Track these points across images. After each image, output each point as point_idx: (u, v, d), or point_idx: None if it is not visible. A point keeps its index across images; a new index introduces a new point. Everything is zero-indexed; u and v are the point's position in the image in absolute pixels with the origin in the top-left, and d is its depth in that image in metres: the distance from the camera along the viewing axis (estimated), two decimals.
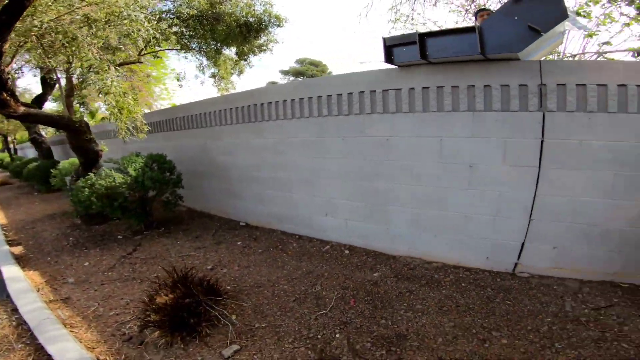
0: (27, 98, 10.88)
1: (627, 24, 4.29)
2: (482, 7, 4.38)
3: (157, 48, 5.37)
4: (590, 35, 4.54)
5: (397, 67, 3.06)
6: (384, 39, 2.94)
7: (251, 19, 4.99)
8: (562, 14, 2.31)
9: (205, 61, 6.17)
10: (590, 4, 4.51)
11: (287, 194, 4.11)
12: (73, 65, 3.55)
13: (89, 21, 3.22)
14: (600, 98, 2.40)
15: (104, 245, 4.30)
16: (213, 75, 6.39)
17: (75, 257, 4.00)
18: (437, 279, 2.85)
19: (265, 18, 5.05)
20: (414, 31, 2.78)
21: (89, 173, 4.46)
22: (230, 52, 6.07)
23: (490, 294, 2.56)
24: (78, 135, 4.50)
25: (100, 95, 3.50)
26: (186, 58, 5.34)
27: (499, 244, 2.85)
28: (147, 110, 7.40)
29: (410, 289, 2.72)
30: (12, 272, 3.54)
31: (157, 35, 3.75)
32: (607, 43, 4.52)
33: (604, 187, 2.45)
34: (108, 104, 3.33)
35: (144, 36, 3.53)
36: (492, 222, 2.85)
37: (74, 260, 3.88)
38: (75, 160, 6.05)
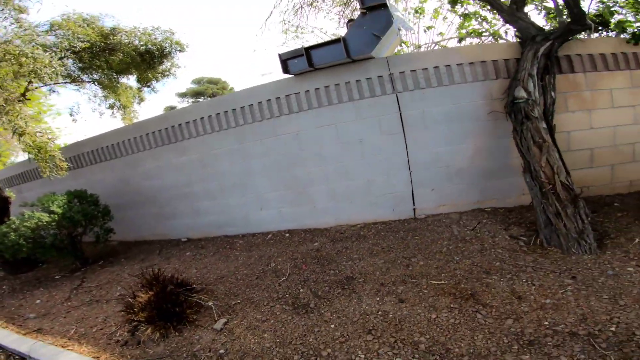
0: None
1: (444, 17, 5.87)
2: (351, 18, 5.46)
3: (47, 83, 5.29)
4: (428, 28, 6.04)
5: (293, 75, 3.89)
6: (280, 55, 3.74)
7: (152, 47, 5.29)
8: (388, 23, 3.41)
9: (100, 92, 6.19)
10: (423, 4, 5.98)
11: (221, 201, 4.66)
12: None
13: None
14: (425, 78, 3.56)
15: (46, 285, 4.31)
16: (111, 106, 6.42)
17: (20, 299, 4.00)
18: (363, 235, 3.78)
19: (167, 45, 5.41)
20: (300, 46, 3.62)
21: (4, 220, 4.37)
22: (128, 80, 6.20)
23: (402, 235, 3.56)
24: None
25: (13, 137, 3.59)
26: (78, 91, 5.28)
27: (397, 196, 3.90)
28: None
29: (345, 246, 3.59)
30: None
31: (59, 71, 3.89)
32: (441, 34, 6.10)
33: (444, 139, 3.65)
34: (25, 145, 3.48)
35: (48, 72, 3.70)
36: (387, 181, 3.89)
37: (21, 302, 3.91)
38: None
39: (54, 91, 6.09)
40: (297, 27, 6.35)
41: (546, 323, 1.97)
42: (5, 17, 4.10)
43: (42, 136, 3.46)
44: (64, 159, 4.08)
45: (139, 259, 4.66)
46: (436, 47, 6.37)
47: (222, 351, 2.38)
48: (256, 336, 2.46)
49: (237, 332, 2.56)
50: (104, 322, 3.09)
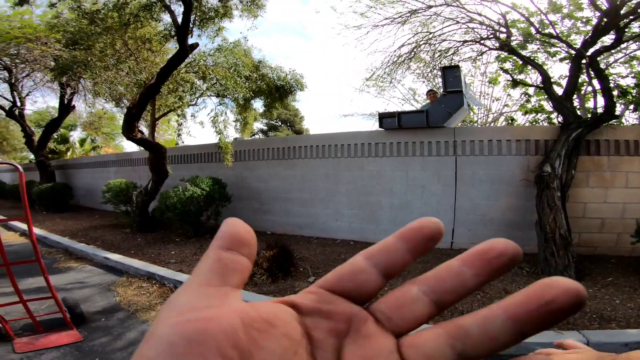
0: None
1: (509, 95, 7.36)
2: (431, 89, 7.16)
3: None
4: (497, 100, 7.60)
5: (383, 129, 5.57)
6: (379, 113, 5.53)
7: (284, 83, 7.40)
8: (460, 104, 4.98)
9: (234, 108, 8.28)
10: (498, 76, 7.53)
11: (308, 209, 6.33)
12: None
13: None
14: (478, 147, 5.02)
15: (172, 243, 6.13)
16: (236, 120, 8.57)
17: (157, 250, 5.79)
18: None
19: (294, 83, 7.50)
20: (394, 110, 5.37)
21: (159, 188, 6.39)
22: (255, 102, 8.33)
23: (439, 257, 4.87)
24: (159, 158, 6.45)
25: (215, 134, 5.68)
26: (219, 104, 7.28)
27: None
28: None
29: None
30: (118, 258, 5.29)
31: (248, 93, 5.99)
32: (507, 105, 7.61)
33: (484, 194, 5.00)
34: (219, 141, 5.46)
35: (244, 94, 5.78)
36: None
37: (159, 252, 5.65)
38: (121, 180, 7.77)
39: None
40: (390, 81, 8.18)
41: None
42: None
43: (226, 137, 5.49)
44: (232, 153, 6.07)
45: None
46: (502, 117, 7.84)
47: None
48: None
49: None
50: None
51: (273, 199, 6.75)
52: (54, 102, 16.86)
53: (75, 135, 22.32)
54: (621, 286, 3.74)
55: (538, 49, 5.84)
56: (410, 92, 10.78)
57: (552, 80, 5.31)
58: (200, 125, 7.44)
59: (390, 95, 12.44)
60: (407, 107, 10.32)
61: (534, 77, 6.68)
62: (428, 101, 5.82)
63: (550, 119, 6.11)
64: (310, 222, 6.34)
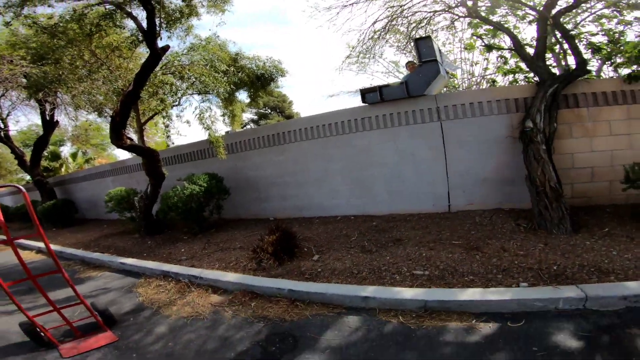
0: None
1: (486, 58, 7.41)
2: (410, 60, 7.17)
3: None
4: (475, 64, 7.64)
5: (367, 104, 5.66)
6: (361, 90, 5.60)
7: (264, 72, 7.43)
8: (436, 72, 5.06)
9: (219, 103, 8.31)
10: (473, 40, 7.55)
11: (304, 190, 6.50)
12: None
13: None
14: (461, 110, 5.13)
15: (181, 242, 6.31)
16: (223, 114, 8.62)
17: (168, 250, 5.96)
18: (409, 219, 5.34)
19: (274, 71, 7.53)
20: (375, 85, 5.46)
21: (158, 191, 6.55)
22: (239, 95, 8.37)
23: (437, 220, 5.06)
24: (153, 162, 6.55)
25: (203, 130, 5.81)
26: (203, 101, 7.33)
27: (437, 195, 5.44)
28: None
29: (396, 225, 5.16)
30: (133, 262, 5.50)
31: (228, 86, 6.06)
32: (487, 69, 7.65)
33: (474, 155, 5.15)
34: (210, 136, 5.58)
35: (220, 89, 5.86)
36: (430, 184, 5.46)
37: (170, 251, 5.82)
38: (121, 188, 7.89)
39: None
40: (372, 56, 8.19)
41: (516, 262, 3.45)
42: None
43: (215, 132, 5.62)
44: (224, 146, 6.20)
45: (242, 228, 6.58)
46: (484, 80, 7.92)
47: (319, 270, 4.07)
48: (339, 262, 4.15)
49: (327, 261, 4.28)
50: (236, 260, 4.83)
51: (269, 186, 6.91)
52: (37, 119, 16.72)
53: (66, 150, 22.19)
54: (618, 236, 3.73)
55: (507, 12, 5.88)
56: (393, 65, 10.79)
57: (525, 42, 5.46)
58: (187, 124, 7.50)
59: (373, 70, 12.41)
60: (391, 80, 10.34)
61: (508, 40, 6.72)
62: (408, 72, 5.89)
63: (528, 78, 6.21)
64: (308, 203, 6.53)
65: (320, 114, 6.19)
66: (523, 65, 5.96)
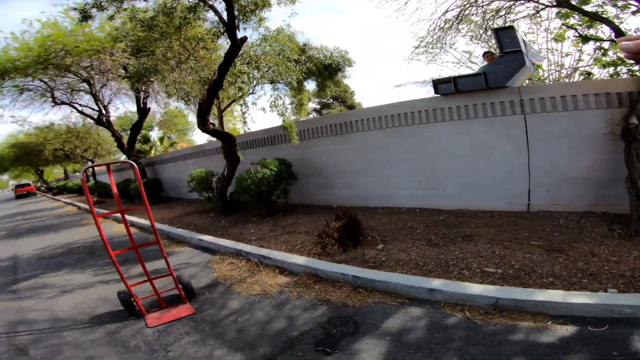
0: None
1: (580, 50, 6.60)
2: (488, 50, 6.68)
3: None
4: (566, 55, 6.85)
5: (439, 95, 5.43)
6: (433, 80, 5.37)
7: (331, 62, 7.53)
8: (521, 64, 4.64)
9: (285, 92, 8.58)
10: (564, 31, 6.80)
11: (369, 180, 6.48)
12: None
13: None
14: (550, 103, 4.66)
15: (250, 223, 6.71)
16: (291, 103, 8.89)
17: (239, 230, 6.40)
18: (479, 216, 5.05)
19: (341, 61, 7.60)
20: (449, 76, 5.18)
21: (233, 173, 7.03)
22: (307, 84, 8.58)
23: (514, 220, 4.67)
24: (230, 146, 7.03)
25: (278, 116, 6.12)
26: (273, 90, 7.61)
27: (514, 193, 5.05)
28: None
29: (465, 220, 4.91)
30: (210, 239, 6.00)
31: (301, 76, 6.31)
32: (580, 60, 6.83)
33: (563, 152, 4.67)
34: (284, 122, 5.85)
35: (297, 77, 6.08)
36: (507, 180, 5.09)
37: (241, 231, 6.24)
38: (201, 170, 8.57)
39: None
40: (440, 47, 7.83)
41: (605, 268, 3.11)
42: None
43: (289, 117, 5.91)
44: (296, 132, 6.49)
45: (307, 214, 6.78)
46: (576, 72, 7.10)
47: (383, 259, 4.06)
48: (404, 253, 4.10)
49: (391, 251, 4.24)
50: (302, 244, 4.99)
51: (334, 174, 7.01)
52: (132, 107, 18.81)
53: (154, 135, 24.66)
54: None
55: (604, 2, 5.19)
56: (465, 55, 10.18)
57: (627, 33, 4.78)
58: (262, 111, 7.81)
59: (442, 60, 11.82)
60: (463, 71, 9.77)
61: (607, 30, 5.91)
62: (486, 63, 5.52)
63: (632, 72, 5.43)
64: (372, 193, 6.50)
65: (388, 104, 6.08)
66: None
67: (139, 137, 17.83)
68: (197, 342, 2.94)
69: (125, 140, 14.24)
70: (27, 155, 23.45)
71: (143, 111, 13.28)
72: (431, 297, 3.15)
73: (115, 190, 3.72)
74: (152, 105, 14.02)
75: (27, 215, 16.18)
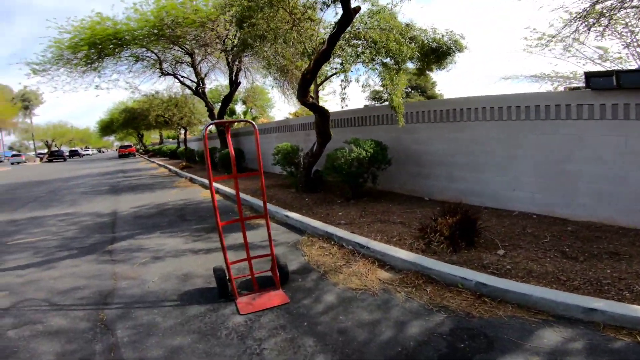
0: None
1: None
2: None
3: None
4: None
5: (589, 89, 4.36)
6: (586, 72, 4.39)
7: (439, 45, 6.69)
8: None
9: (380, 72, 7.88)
10: None
11: (477, 175, 5.63)
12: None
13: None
14: None
15: (335, 205, 6.26)
16: (384, 85, 8.19)
17: (325, 210, 5.98)
18: (621, 233, 4.02)
19: (451, 45, 6.70)
20: (611, 69, 4.14)
21: (322, 150, 6.64)
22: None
23: None
24: (325, 122, 6.65)
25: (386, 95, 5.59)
26: (367, 70, 6.98)
27: None
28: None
29: (602, 236, 3.95)
30: (297, 217, 5.68)
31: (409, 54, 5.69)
32: None
33: None
34: (392, 102, 5.40)
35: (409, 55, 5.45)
36: None
37: (327, 212, 5.79)
38: (287, 144, 8.33)
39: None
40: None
41: None
42: None
43: (398, 98, 5.33)
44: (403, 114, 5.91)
45: (397, 203, 6.16)
46: None
47: (508, 267, 3.33)
48: (536, 264, 3.34)
49: (517, 259, 3.49)
50: (399, 235, 4.41)
51: (434, 163, 6.25)
52: (222, 81, 19.56)
53: (238, 108, 25.61)
54: None
55: None
56: (599, 51, 8.52)
57: None
58: (364, 88, 7.19)
59: (569, 54, 10.12)
60: (590, 68, 8.21)
61: None
62: None
63: None
64: (478, 189, 5.65)
65: (513, 94, 5.13)
66: None
67: (226, 110, 18.53)
68: (294, 341, 2.53)
69: (215, 111, 14.75)
70: (133, 120, 25.88)
71: (234, 84, 13.56)
72: (586, 317, 2.53)
73: (232, 153, 3.42)
74: (242, 79, 14.32)
75: (127, 174, 17.83)
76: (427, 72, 7.45)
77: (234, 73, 13.19)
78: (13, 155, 49.20)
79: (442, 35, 6.88)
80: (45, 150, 53.61)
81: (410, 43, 6.55)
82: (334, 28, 5.33)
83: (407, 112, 6.56)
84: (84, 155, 60.41)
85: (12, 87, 39.33)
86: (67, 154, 51.40)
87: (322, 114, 6.56)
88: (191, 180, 12.41)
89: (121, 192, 10.98)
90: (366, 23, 6.08)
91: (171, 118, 21.11)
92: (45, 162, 44.27)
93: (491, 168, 5.45)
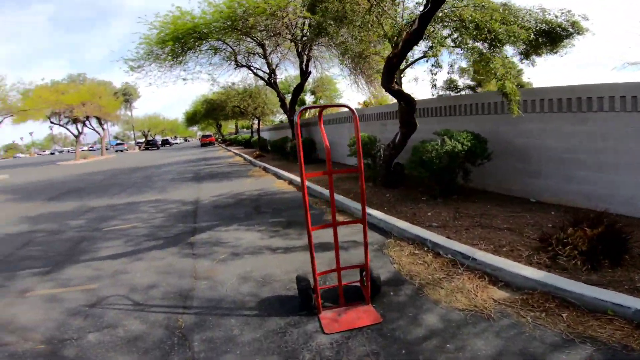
0: None
1: None
2: None
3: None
4: None
5: None
6: None
7: (549, 27, 5.42)
8: None
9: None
10: None
11: (605, 176, 4.41)
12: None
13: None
14: None
15: (421, 203, 5.46)
16: (462, 71, 7.04)
17: (409, 208, 5.22)
18: None
19: (568, 26, 5.40)
20: None
21: (406, 141, 5.84)
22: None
23: None
24: (410, 111, 5.88)
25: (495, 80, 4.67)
26: (450, 55, 5.96)
27: None
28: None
29: None
30: (380, 215, 5.01)
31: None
32: None
33: None
34: (504, 87, 4.49)
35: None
36: None
37: (413, 211, 5.02)
38: (365, 134, 7.65)
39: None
40: None
41: None
42: None
43: (510, 84, 4.34)
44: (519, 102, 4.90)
45: (495, 203, 5.14)
46: None
47: None
48: None
49: None
50: (509, 245, 3.54)
51: (546, 160, 5.10)
52: (292, 72, 19.43)
53: (307, 99, 25.48)
54: None
55: None
56: None
57: None
58: (463, 72, 6.23)
59: None
60: None
61: None
62: None
63: None
64: (605, 193, 4.43)
65: None
66: None
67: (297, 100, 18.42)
68: None
69: (286, 101, 14.60)
70: (213, 111, 27.33)
71: (304, 74, 13.21)
72: None
73: (327, 143, 2.89)
74: (311, 69, 13.94)
75: (208, 162, 18.81)
76: (534, 57, 6.10)
77: (304, 63, 12.84)
78: (117, 144, 56.54)
79: (556, 16, 5.58)
80: (143, 140, 60.14)
81: (508, 24, 5.41)
82: (426, 5, 4.47)
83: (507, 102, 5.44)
84: (173, 144, 66.60)
85: (115, 83, 44.29)
86: (160, 142, 57.12)
87: (408, 102, 5.77)
88: (264, 169, 12.45)
89: (203, 179, 11.40)
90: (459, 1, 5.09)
91: (246, 108, 21.70)
92: (143, 150, 49.54)
93: (626, 169, 4.20)
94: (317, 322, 2.58)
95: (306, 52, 12.65)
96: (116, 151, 49.83)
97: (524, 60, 6.19)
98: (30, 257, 4.73)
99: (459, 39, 4.92)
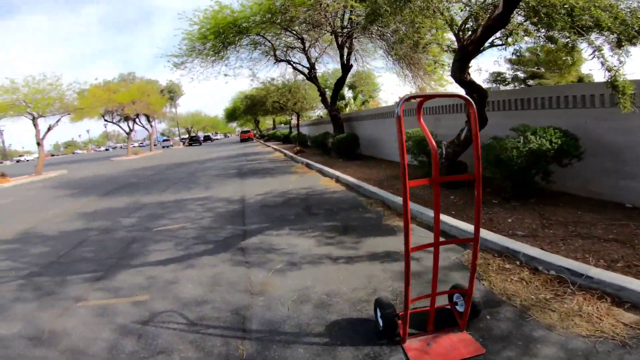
0: None
1: None
2: None
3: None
4: None
5: None
6: None
7: None
8: None
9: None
10: None
11: None
12: None
13: None
14: None
15: (496, 207, 4.68)
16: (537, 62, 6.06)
17: (483, 213, 4.47)
18: None
19: None
20: None
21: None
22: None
23: None
24: (482, 104, 5.13)
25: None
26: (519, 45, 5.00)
27: None
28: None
29: None
30: (453, 222, 4.28)
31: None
32: None
33: None
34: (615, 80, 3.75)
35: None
36: None
37: (490, 216, 4.29)
38: (416, 130, 6.98)
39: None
40: None
41: None
42: None
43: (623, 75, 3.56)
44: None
45: (584, 209, 4.29)
46: None
47: None
48: None
49: None
50: (624, 260, 2.86)
51: None
52: (331, 66, 18.83)
53: (346, 94, 24.75)
54: None
55: None
56: None
57: None
58: (517, 62, 5.37)
59: None
60: None
61: None
62: None
63: None
64: None
65: None
66: None
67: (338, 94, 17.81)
68: None
69: (327, 96, 14.05)
70: (252, 107, 27.37)
71: (346, 68, 12.59)
72: None
73: (432, 142, 2.30)
74: (353, 62, 13.29)
75: (249, 157, 18.75)
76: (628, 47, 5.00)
77: (344, 57, 12.19)
78: (164, 141, 59.08)
79: None
80: (186, 136, 62.34)
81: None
82: None
83: (605, 94, 4.51)
84: (214, 139, 68.54)
85: (160, 81, 46.01)
86: (202, 138, 58.92)
87: (481, 95, 5.00)
88: (308, 166, 12.01)
89: (246, 176, 11.18)
90: None
91: (286, 104, 21.39)
92: (187, 146, 51.33)
93: None
94: (401, 354, 2.11)
95: (347, 45, 12.01)
96: (163, 147, 52.06)
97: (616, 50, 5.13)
98: (83, 258, 4.58)
99: (558, 24, 4.05)
